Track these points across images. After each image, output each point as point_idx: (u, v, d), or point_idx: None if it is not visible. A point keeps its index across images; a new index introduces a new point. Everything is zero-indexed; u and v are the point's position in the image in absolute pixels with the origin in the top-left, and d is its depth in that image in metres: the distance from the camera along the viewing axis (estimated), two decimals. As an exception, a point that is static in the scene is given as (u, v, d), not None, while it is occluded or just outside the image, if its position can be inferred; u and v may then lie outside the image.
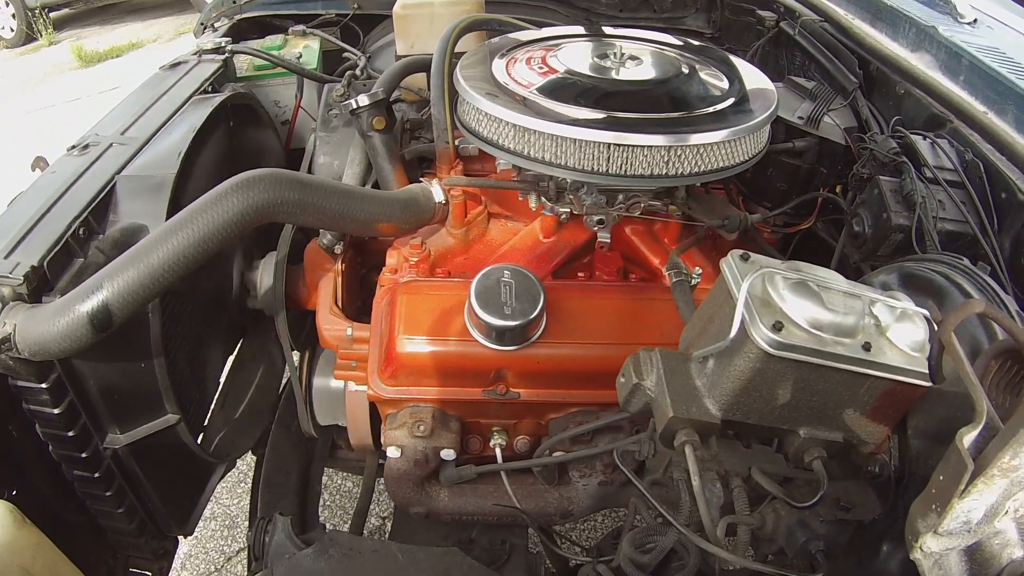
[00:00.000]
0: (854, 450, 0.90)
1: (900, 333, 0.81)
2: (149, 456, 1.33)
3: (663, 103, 1.26)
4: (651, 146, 1.17)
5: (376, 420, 1.44)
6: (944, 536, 0.65)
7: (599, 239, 1.39)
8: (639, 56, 1.38)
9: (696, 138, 1.18)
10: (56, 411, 1.14)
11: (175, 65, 1.73)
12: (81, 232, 1.21)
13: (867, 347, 0.78)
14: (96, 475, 1.23)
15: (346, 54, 2.11)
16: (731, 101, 1.27)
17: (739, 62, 1.44)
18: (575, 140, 1.16)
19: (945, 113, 1.27)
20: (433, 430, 1.27)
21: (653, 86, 1.30)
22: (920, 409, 0.86)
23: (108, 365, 1.21)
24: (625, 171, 1.18)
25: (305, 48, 2.09)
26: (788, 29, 1.75)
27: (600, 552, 1.35)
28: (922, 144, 1.18)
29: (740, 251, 0.85)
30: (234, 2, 2.18)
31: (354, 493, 2.50)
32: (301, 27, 2.13)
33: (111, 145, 1.40)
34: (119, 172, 1.32)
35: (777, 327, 0.76)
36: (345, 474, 2.50)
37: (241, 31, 2.18)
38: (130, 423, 1.29)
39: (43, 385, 1.11)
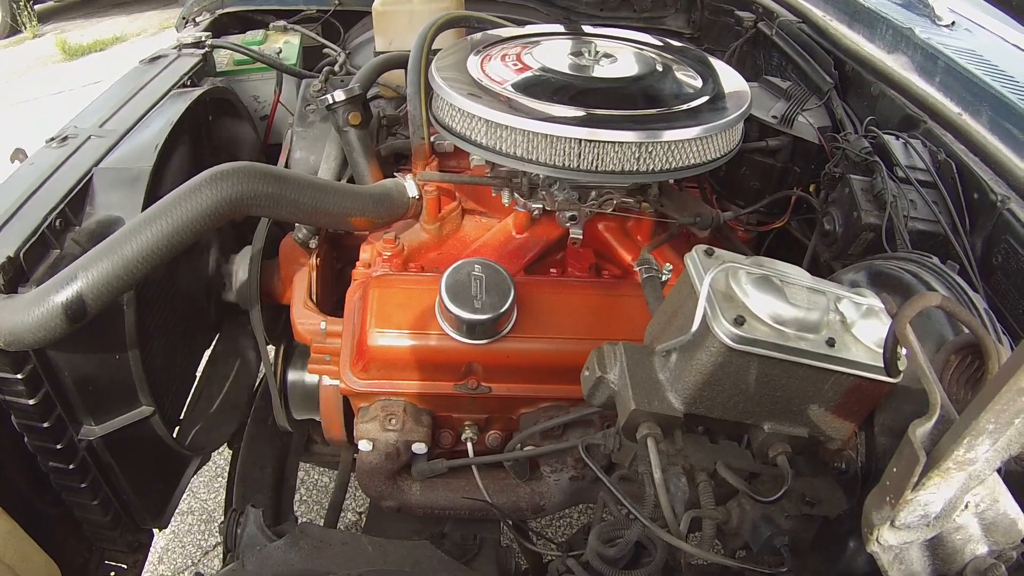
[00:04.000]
0: (821, 447, 0.90)
1: (865, 329, 0.82)
2: (124, 448, 1.33)
3: (637, 100, 1.27)
4: (623, 142, 1.17)
5: (350, 414, 1.44)
6: (902, 529, 0.66)
7: (571, 235, 1.40)
8: (614, 54, 1.38)
9: (668, 135, 1.19)
10: (31, 402, 1.14)
11: (155, 59, 1.72)
12: (58, 224, 1.20)
13: (831, 343, 0.78)
14: (71, 466, 1.23)
15: (326, 50, 2.10)
16: (704, 99, 1.27)
17: (715, 62, 1.45)
18: (547, 136, 1.17)
19: (919, 114, 1.28)
20: (404, 424, 1.27)
21: (627, 83, 1.31)
22: (888, 406, 0.87)
23: (83, 356, 1.21)
24: (597, 167, 1.19)
25: (285, 44, 2.08)
26: (766, 30, 1.76)
27: (571, 547, 1.35)
28: (895, 144, 1.19)
29: (704, 246, 0.86)
30: (215, -3, 2.18)
31: (330, 488, 2.50)
32: (282, 22, 2.12)
33: (89, 137, 1.40)
34: (96, 164, 1.31)
35: (739, 321, 0.76)
36: (322, 469, 2.49)
37: (222, 26, 2.17)
38: (105, 415, 1.29)
39: (18, 376, 1.11)
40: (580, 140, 1.15)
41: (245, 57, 1.93)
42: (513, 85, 1.28)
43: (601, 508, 1.09)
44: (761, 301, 0.78)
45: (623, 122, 1.18)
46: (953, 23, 1.52)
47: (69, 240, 1.22)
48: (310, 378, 1.60)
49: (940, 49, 1.37)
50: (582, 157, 1.17)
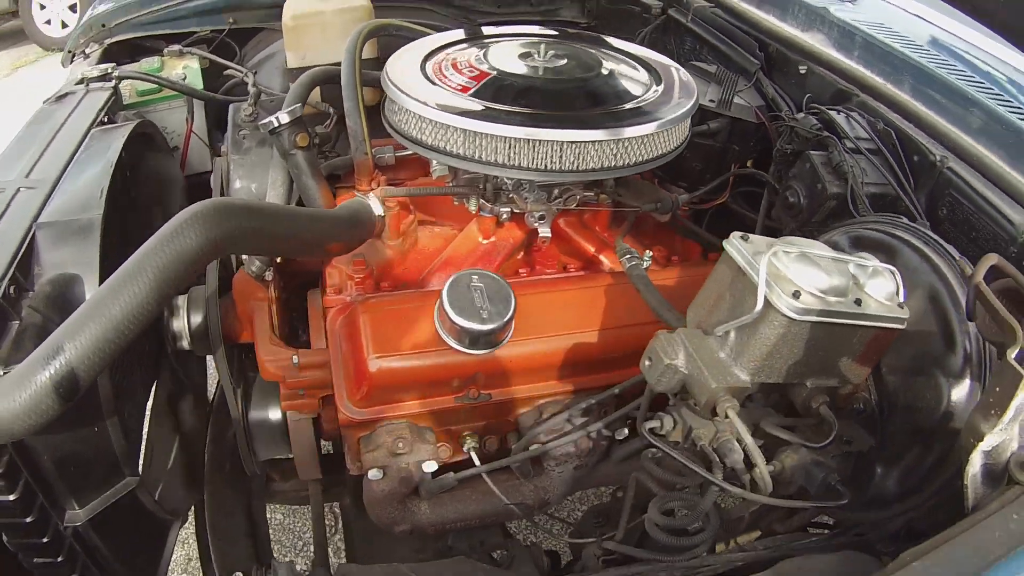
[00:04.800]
0: (835, 392, 0.99)
1: (875, 287, 0.92)
2: (109, 526, 1.22)
3: (596, 98, 1.31)
4: (595, 141, 1.21)
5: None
6: (998, 434, 0.76)
7: (541, 234, 1.42)
8: (561, 54, 1.42)
9: (630, 131, 1.24)
10: (12, 497, 1.02)
11: (61, 97, 1.58)
12: (11, 291, 1.09)
13: (858, 302, 0.87)
14: (59, 559, 1.11)
15: (228, 71, 2.00)
16: (657, 94, 1.33)
17: (653, 55, 1.51)
18: (527, 140, 1.19)
19: (850, 88, 1.39)
20: (412, 444, 1.25)
21: (583, 83, 1.35)
22: (892, 349, 0.96)
23: (61, 435, 1.10)
24: (575, 166, 1.22)
25: (186, 68, 1.97)
26: (679, 16, 1.85)
27: (580, 533, 1.39)
28: (839, 118, 1.30)
29: (740, 233, 0.92)
30: (103, 26, 2.02)
31: (286, 525, 2.40)
32: (177, 47, 2.00)
33: (18, 190, 1.27)
34: (36, 219, 1.20)
35: (796, 295, 0.84)
36: (274, 506, 2.39)
37: (112, 56, 2.02)
38: (89, 494, 1.18)
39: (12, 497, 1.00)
40: (561, 143, 1.18)
41: (150, 87, 1.81)
42: (475, 93, 1.28)
43: (634, 487, 1.14)
44: (804, 275, 0.87)
45: (592, 122, 1.22)
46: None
47: (26, 308, 1.11)
48: (274, 415, 1.53)
49: (856, 25, 1.49)
50: (563, 159, 1.20)
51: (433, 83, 1.33)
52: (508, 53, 1.43)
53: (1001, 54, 1.45)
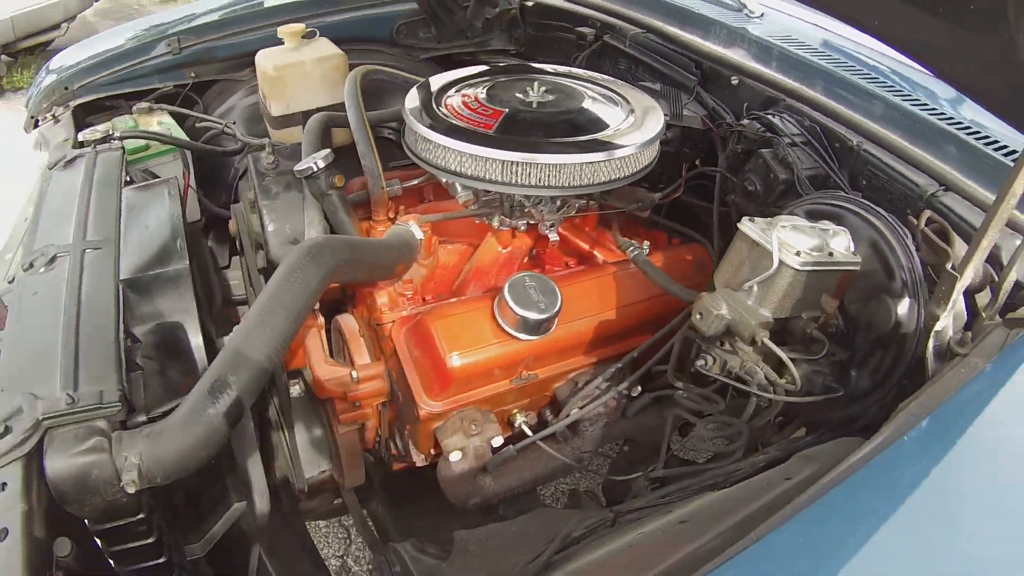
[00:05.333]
0: (818, 321, 1.33)
1: (838, 244, 1.26)
2: (219, 554, 1.30)
3: (592, 126, 1.58)
4: (602, 161, 1.49)
5: None
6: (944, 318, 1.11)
7: (551, 239, 1.68)
8: (551, 89, 1.69)
9: (621, 152, 1.51)
10: (151, 540, 1.09)
11: (70, 162, 1.66)
12: (128, 343, 1.21)
13: (831, 255, 1.21)
14: None
15: (202, 123, 2.13)
16: (633, 120, 1.63)
17: (624, 86, 1.79)
18: (553, 165, 1.44)
19: (776, 94, 1.74)
20: (482, 426, 1.49)
21: (580, 114, 1.62)
22: (851, 286, 1.32)
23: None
24: (588, 182, 1.49)
25: (162, 124, 2.08)
26: (613, 42, 2.16)
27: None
28: (775, 120, 1.65)
29: (748, 217, 1.24)
30: (65, 88, 2.08)
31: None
32: (145, 104, 2.10)
33: (84, 251, 1.36)
34: (119, 276, 1.31)
35: (798, 254, 1.16)
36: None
37: (78, 119, 2.09)
38: (203, 526, 1.26)
39: (140, 515, 1.06)
40: (581, 165, 1.45)
41: (139, 144, 1.92)
42: (499, 128, 1.53)
43: (670, 422, 1.47)
44: (799, 240, 1.20)
45: (601, 146, 1.49)
46: (763, 15, 2.06)
47: (140, 358, 1.24)
48: (316, 433, 1.71)
49: (770, 40, 1.86)
50: (579, 177, 1.47)
51: (457, 123, 1.55)
52: (509, 90, 1.68)
53: (882, 49, 1.87)
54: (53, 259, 1.34)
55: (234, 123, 2.07)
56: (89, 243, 1.39)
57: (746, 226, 1.25)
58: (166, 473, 1.01)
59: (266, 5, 2.32)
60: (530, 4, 2.48)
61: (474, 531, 1.35)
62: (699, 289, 1.33)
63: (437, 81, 1.76)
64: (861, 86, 1.69)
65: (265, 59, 2.02)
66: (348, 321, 1.69)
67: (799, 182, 1.55)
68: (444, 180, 1.63)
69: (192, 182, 1.99)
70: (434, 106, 1.62)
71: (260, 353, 1.12)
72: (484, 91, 1.68)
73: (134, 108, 2.09)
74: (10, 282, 1.51)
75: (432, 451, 1.56)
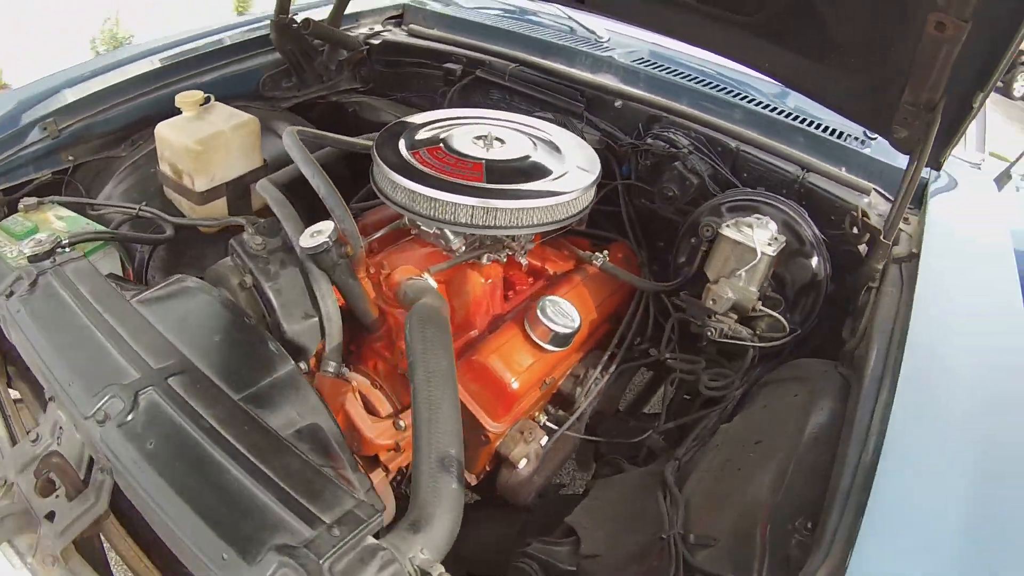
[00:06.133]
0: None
1: (772, 229, 1.73)
2: None
3: (539, 171, 1.82)
4: (570, 201, 1.76)
5: None
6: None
7: (524, 264, 1.94)
8: (502, 138, 1.91)
9: (572, 195, 1.76)
10: None
11: (33, 283, 1.46)
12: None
13: (776, 239, 1.69)
14: None
15: (103, 211, 2.00)
16: (577, 164, 1.89)
17: (560, 133, 2.02)
18: (536, 208, 1.69)
19: (658, 112, 2.16)
20: (534, 431, 1.75)
21: (535, 164, 1.85)
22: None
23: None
24: (561, 217, 1.75)
25: (61, 219, 1.91)
26: (486, 76, 2.42)
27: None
28: (673, 136, 2.08)
29: (720, 222, 1.67)
30: (-66, 196, 1.80)
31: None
32: (33, 199, 1.91)
33: (167, 380, 1.30)
34: (234, 396, 1.30)
35: (769, 244, 1.61)
36: None
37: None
38: None
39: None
40: (558, 205, 1.71)
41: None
42: (487, 178, 1.74)
43: (676, 382, 1.87)
44: (764, 235, 1.66)
45: (565, 190, 1.75)
46: (609, 39, 2.46)
47: None
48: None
49: (634, 65, 2.26)
50: (552, 215, 1.73)
51: (454, 180, 1.72)
52: (467, 136, 1.89)
53: (722, 61, 2.39)
54: (136, 400, 1.22)
55: (145, 204, 1.97)
56: (162, 371, 1.27)
57: (727, 231, 1.67)
58: (443, 554, 1.07)
59: (132, 74, 2.18)
60: (376, 43, 2.62)
61: (576, 513, 1.61)
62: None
63: (392, 135, 1.89)
64: (720, 98, 2.19)
65: (177, 132, 1.97)
66: (357, 378, 1.80)
67: (707, 184, 2.01)
68: (434, 229, 1.80)
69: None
70: (413, 162, 1.77)
71: (454, 413, 1.26)
72: (442, 142, 1.86)
73: (21, 204, 1.88)
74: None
75: (487, 467, 1.78)
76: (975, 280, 1.69)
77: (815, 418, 1.51)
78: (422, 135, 1.93)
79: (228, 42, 2.39)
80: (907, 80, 1.49)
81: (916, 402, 1.31)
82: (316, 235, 1.64)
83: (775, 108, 2.20)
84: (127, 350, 1.32)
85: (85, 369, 1.29)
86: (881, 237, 1.59)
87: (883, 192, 1.99)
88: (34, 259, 1.54)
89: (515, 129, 2.01)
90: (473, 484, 1.81)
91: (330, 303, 1.68)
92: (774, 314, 1.67)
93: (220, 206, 2.04)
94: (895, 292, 1.65)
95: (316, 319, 1.67)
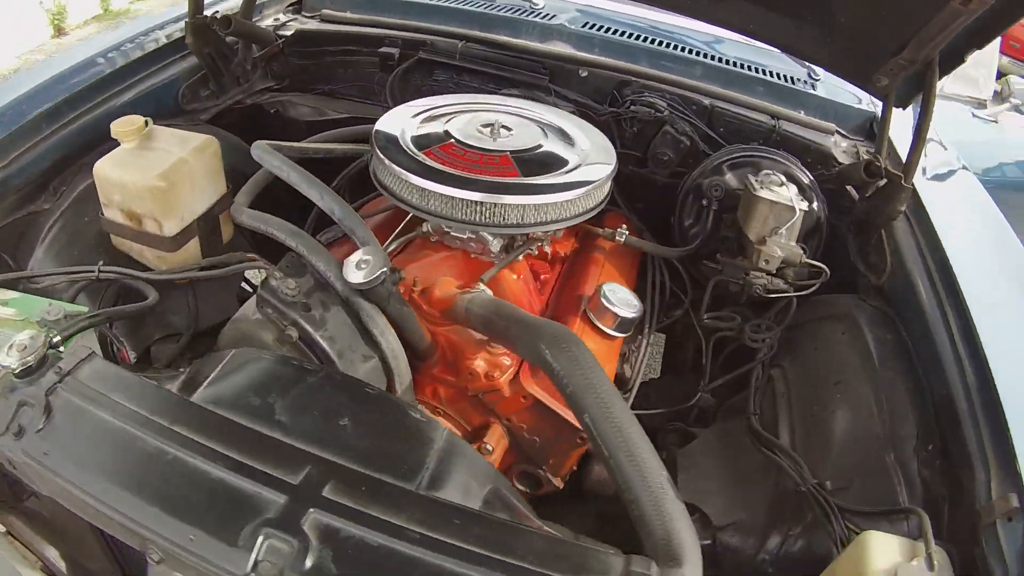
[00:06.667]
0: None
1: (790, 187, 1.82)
2: None
3: (559, 158, 1.75)
4: (598, 187, 1.70)
5: None
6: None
7: (548, 253, 1.88)
8: (510, 126, 1.81)
9: (604, 177, 1.71)
10: None
11: (47, 409, 1.11)
12: None
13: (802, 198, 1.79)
14: None
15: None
16: (593, 156, 1.80)
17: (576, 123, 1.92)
18: (573, 200, 1.63)
19: (625, 77, 2.14)
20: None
21: (558, 156, 1.76)
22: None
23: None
24: (593, 205, 1.72)
25: (8, 304, 1.55)
26: (430, 56, 2.24)
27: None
28: (655, 100, 2.07)
29: (756, 182, 1.73)
30: None
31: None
32: (-35, 283, 1.54)
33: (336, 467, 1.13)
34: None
35: (802, 201, 1.70)
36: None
37: None
38: None
39: None
40: (587, 193, 1.65)
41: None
42: (522, 172, 1.65)
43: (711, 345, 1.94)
44: (795, 193, 1.73)
45: (596, 176, 1.69)
46: (543, 4, 2.37)
47: None
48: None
49: (586, 31, 2.21)
50: (591, 201, 1.69)
51: (495, 179, 1.61)
52: (473, 124, 1.78)
53: (673, 20, 2.40)
54: (301, 533, 0.97)
55: (103, 263, 1.65)
56: (307, 483, 1.03)
57: (764, 192, 1.71)
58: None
59: (33, 111, 1.79)
60: (288, 34, 2.35)
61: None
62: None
63: (384, 135, 1.73)
64: (678, 55, 2.23)
65: (126, 170, 1.66)
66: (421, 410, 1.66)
67: (698, 145, 2.05)
68: (468, 233, 1.69)
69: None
70: (433, 163, 1.63)
71: (641, 431, 1.19)
72: (454, 135, 1.74)
73: (-46, 296, 1.51)
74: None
75: (574, 467, 1.74)
76: (965, 208, 1.90)
77: (877, 350, 1.64)
78: (420, 131, 1.78)
79: (136, 53, 2.03)
80: (908, 41, 1.60)
81: (997, 324, 1.46)
82: (362, 266, 1.47)
83: (724, 59, 2.27)
84: (235, 465, 1.04)
85: (193, 509, 1.00)
86: (903, 182, 1.71)
87: (841, 131, 2.15)
88: (27, 374, 1.15)
89: (511, 113, 1.91)
90: (562, 487, 1.76)
91: (391, 338, 1.53)
92: (818, 264, 1.76)
93: (192, 248, 1.77)
94: (906, 227, 1.80)
95: (376, 359, 1.52)
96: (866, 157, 1.93)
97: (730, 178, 1.96)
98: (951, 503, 1.30)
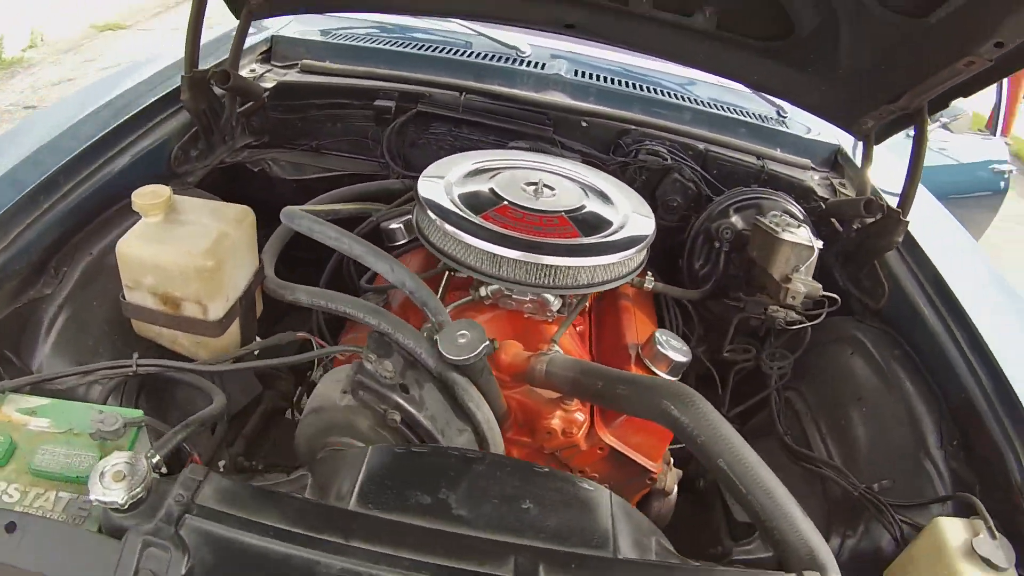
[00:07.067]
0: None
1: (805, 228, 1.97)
2: None
3: (603, 218, 1.79)
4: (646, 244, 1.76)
5: None
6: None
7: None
8: (553, 185, 1.83)
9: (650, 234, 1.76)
10: None
11: (181, 546, 0.97)
12: None
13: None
14: None
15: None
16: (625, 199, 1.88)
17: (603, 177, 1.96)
18: (634, 254, 1.70)
19: (625, 125, 2.22)
20: (669, 457, 1.81)
21: (599, 216, 1.80)
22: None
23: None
24: (640, 262, 1.78)
25: (32, 413, 1.35)
26: (428, 109, 2.20)
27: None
28: (659, 148, 2.16)
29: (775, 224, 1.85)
30: None
31: None
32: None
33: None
34: None
35: (815, 240, 1.85)
36: None
37: None
38: None
39: None
40: (638, 250, 1.71)
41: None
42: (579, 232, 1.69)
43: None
44: (809, 235, 1.87)
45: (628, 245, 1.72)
46: (530, 52, 2.39)
47: None
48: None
49: (580, 79, 2.26)
50: (639, 258, 1.76)
51: (562, 242, 1.63)
52: (518, 182, 1.79)
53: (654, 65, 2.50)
54: None
55: (137, 355, 1.49)
56: (522, 551, 1.05)
57: (786, 235, 1.84)
58: None
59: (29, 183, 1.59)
60: (270, 86, 2.24)
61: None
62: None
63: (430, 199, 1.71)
64: (667, 101, 2.34)
65: (161, 249, 1.51)
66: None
67: (703, 189, 2.16)
68: (530, 295, 1.69)
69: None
70: (495, 228, 1.63)
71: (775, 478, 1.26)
72: (506, 197, 1.74)
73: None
74: None
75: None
76: (938, 227, 2.15)
77: (887, 365, 1.82)
78: (464, 190, 1.77)
79: (129, 112, 1.85)
80: (906, 90, 1.79)
81: (995, 326, 1.68)
82: (461, 340, 1.45)
83: (704, 102, 2.42)
84: (439, 571, 1.01)
85: None
86: (901, 217, 1.90)
87: (813, 165, 2.36)
88: (135, 507, 1.00)
89: (543, 170, 1.94)
90: None
91: (486, 410, 1.51)
92: (831, 295, 1.92)
93: (234, 331, 1.64)
94: (894, 252, 2.00)
95: (470, 431, 1.50)
96: (843, 191, 2.14)
97: (736, 220, 2.09)
98: (982, 487, 1.49)
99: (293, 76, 2.25)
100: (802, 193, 2.22)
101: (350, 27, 2.53)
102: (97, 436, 1.24)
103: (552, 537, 1.11)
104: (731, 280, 2.10)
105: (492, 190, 1.77)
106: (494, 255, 1.58)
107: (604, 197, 1.88)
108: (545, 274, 1.61)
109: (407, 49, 2.41)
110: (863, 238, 2.04)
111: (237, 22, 2.01)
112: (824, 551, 1.17)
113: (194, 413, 1.58)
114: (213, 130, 2.05)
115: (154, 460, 1.12)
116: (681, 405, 1.36)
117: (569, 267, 1.60)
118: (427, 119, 2.26)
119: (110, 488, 1.00)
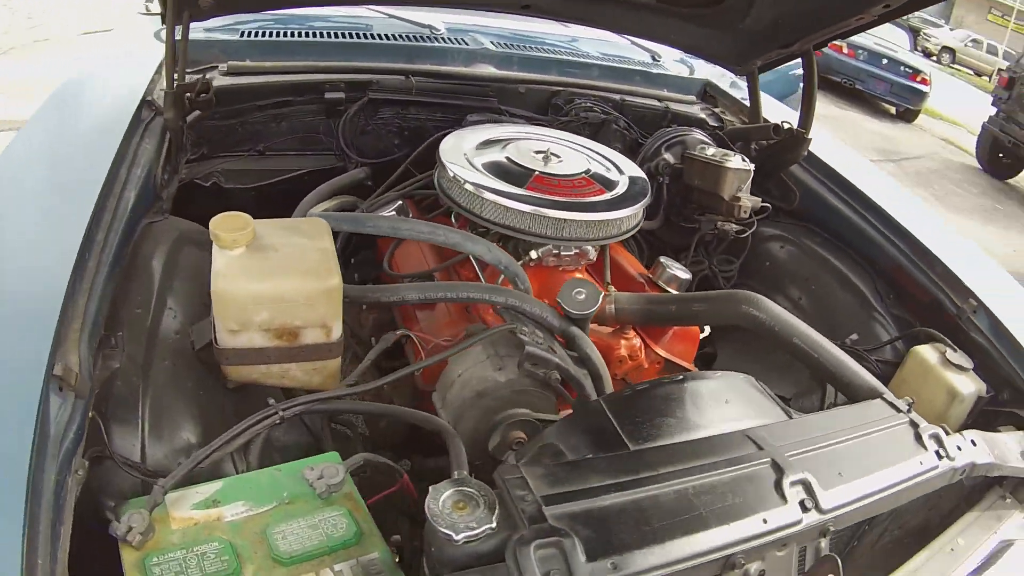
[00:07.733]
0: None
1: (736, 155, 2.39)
2: None
3: (608, 177, 2.03)
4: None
5: None
6: None
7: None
8: (559, 154, 2.01)
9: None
10: None
11: None
12: None
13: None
14: None
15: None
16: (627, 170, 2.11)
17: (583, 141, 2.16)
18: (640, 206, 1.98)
19: (559, 88, 2.41)
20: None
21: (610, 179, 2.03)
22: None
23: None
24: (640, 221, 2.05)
25: (225, 491, 1.21)
26: (381, 95, 2.20)
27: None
28: (592, 105, 2.41)
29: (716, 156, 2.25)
30: None
31: None
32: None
33: None
34: None
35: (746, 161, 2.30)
36: None
37: None
38: None
39: None
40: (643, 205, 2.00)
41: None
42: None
43: None
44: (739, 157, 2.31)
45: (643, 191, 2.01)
46: (444, 29, 2.47)
47: None
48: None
49: (502, 50, 2.39)
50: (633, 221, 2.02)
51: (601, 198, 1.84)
52: (527, 151, 1.96)
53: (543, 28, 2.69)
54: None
55: (272, 399, 1.42)
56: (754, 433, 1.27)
57: (730, 163, 2.22)
58: None
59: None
60: (207, 95, 2.07)
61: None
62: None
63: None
64: (575, 61, 2.59)
65: (277, 278, 1.41)
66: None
67: (637, 134, 2.49)
68: (575, 249, 1.90)
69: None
70: (542, 195, 1.82)
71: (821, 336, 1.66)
72: (536, 169, 1.91)
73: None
74: None
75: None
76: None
77: (820, 248, 2.33)
78: (487, 163, 1.91)
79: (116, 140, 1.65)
80: (797, 39, 2.23)
81: (895, 201, 2.25)
82: (579, 295, 1.64)
83: (598, 56, 2.71)
84: (717, 465, 1.19)
85: (740, 507, 1.13)
86: (805, 135, 2.36)
87: (696, 99, 2.80)
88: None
89: (537, 138, 2.11)
90: None
91: (596, 353, 1.68)
92: (766, 203, 2.37)
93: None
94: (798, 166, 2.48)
95: (587, 374, 1.70)
96: (727, 117, 2.62)
97: (668, 156, 2.44)
98: (922, 323, 1.99)
99: (228, 80, 2.10)
100: (698, 124, 2.62)
101: (242, 24, 2.37)
102: (326, 493, 1.20)
103: (756, 416, 1.40)
104: (671, 208, 2.47)
105: (513, 161, 1.92)
106: (560, 219, 1.77)
107: (598, 155, 2.13)
108: (598, 228, 1.83)
109: (328, 39, 2.35)
110: (766, 156, 2.50)
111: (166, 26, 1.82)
112: (878, 384, 1.54)
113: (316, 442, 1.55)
114: (182, 147, 1.89)
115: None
116: (756, 306, 1.70)
117: (615, 219, 1.84)
118: (376, 105, 2.27)
119: (471, 518, 0.99)
